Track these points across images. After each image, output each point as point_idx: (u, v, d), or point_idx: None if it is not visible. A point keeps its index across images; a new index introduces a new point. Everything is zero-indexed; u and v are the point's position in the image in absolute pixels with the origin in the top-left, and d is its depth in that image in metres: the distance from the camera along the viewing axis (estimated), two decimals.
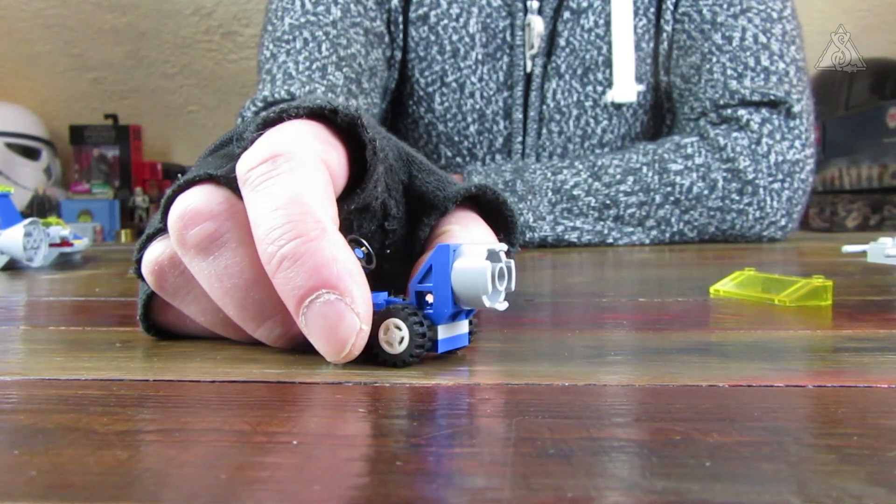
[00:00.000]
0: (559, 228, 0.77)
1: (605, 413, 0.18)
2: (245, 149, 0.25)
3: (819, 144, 1.93)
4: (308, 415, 0.18)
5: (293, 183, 0.23)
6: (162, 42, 2.35)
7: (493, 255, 0.24)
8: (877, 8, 2.28)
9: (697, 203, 0.78)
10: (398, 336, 0.23)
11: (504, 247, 0.24)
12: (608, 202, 0.77)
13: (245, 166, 0.24)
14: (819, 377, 0.21)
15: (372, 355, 0.23)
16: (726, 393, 0.20)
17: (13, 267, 0.61)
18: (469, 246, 0.24)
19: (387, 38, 0.84)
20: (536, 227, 0.76)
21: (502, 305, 0.24)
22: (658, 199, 0.77)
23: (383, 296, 0.24)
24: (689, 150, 0.78)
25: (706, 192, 0.78)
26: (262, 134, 0.25)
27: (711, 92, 0.82)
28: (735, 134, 0.79)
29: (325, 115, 0.26)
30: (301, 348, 0.26)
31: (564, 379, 0.21)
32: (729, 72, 0.81)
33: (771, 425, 0.17)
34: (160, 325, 0.29)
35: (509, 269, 0.24)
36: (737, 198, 0.78)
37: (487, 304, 0.23)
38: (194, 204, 0.24)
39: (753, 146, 0.78)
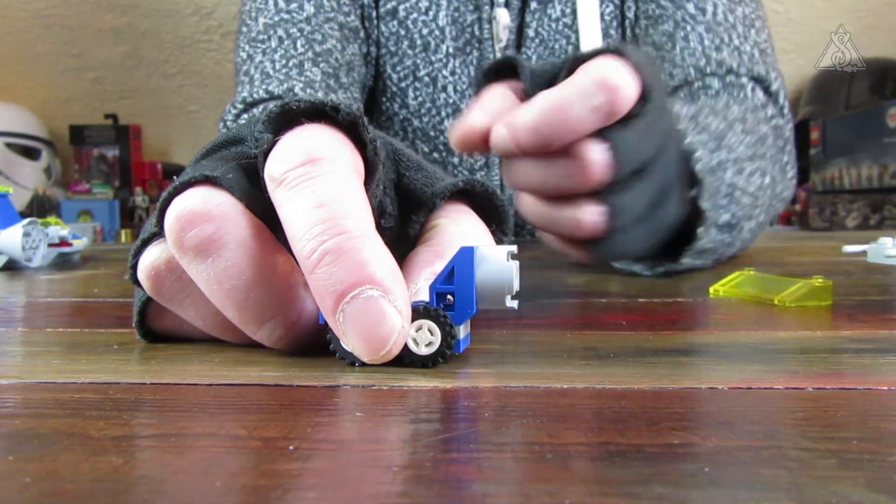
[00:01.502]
0: (743, 176, 0.62)
1: (603, 417, 0.18)
2: (264, 150, 0.25)
3: (819, 144, 1.93)
4: (305, 419, 0.18)
5: (336, 185, 0.23)
6: (162, 42, 2.35)
7: (508, 256, 0.24)
8: (877, 8, 2.28)
9: (780, 152, 0.75)
10: (427, 338, 0.23)
11: (514, 248, 0.24)
12: (758, 142, 0.68)
13: (280, 168, 0.24)
14: (819, 379, 0.21)
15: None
16: (726, 395, 0.20)
17: (12, 267, 0.61)
18: (489, 248, 0.24)
19: (362, 34, 0.84)
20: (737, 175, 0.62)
21: (515, 305, 0.24)
22: (768, 140, 0.71)
23: None
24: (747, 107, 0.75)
25: (774, 143, 0.75)
26: (279, 137, 0.25)
27: (691, 60, 0.80)
28: (765, 98, 0.77)
29: (326, 113, 0.26)
30: (300, 350, 0.26)
31: (563, 381, 0.21)
32: (706, 42, 0.80)
33: (771, 429, 0.17)
34: (157, 330, 0.28)
35: (517, 268, 0.25)
36: (779, 155, 0.77)
37: (509, 304, 0.24)
38: (192, 205, 0.24)
39: (779, 108, 0.77)
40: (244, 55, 0.80)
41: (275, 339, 0.25)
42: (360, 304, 0.21)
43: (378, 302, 0.21)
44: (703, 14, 0.81)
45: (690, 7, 0.81)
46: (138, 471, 0.14)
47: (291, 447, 0.16)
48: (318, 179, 0.23)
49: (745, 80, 0.77)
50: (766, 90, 0.78)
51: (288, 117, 0.25)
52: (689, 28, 0.81)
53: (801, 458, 0.15)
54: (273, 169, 0.24)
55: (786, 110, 0.79)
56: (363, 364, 0.23)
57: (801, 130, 1.97)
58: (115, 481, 0.14)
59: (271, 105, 0.26)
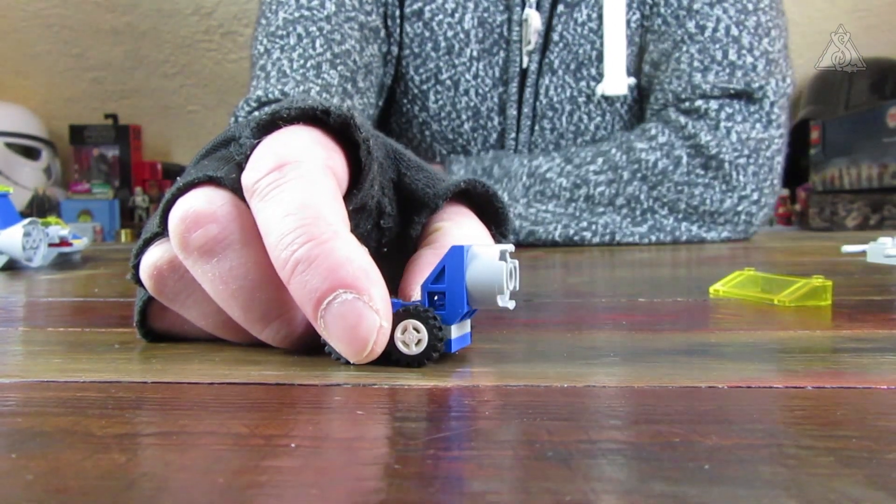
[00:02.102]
0: (531, 210, 0.77)
1: (603, 415, 0.18)
2: (245, 156, 0.25)
3: (819, 144, 1.93)
4: (306, 417, 0.18)
5: (302, 190, 0.23)
6: (162, 42, 2.35)
7: (502, 255, 0.24)
8: (877, 8, 2.28)
9: (664, 178, 0.78)
10: (416, 337, 0.23)
11: (511, 247, 0.24)
12: (578, 182, 0.78)
13: (252, 177, 0.24)
14: (818, 378, 0.21)
15: (384, 355, 0.23)
16: (725, 394, 0.20)
17: (12, 267, 0.61)
18: (481, 247, 0.24)
19: (382, 33, 0.84)
20: (510, 207, 0.77)
21: (511, 304, 0.24)
22: (626, 175, 0.78)
23: None
24: (653, 132, 0.80)
25: (671, 167, 0.78)
26: (259, 141, 0.25)
27: (675, 84, 0.82)
28: (695, 122, 0.80)
29: (317, 117, 0.26)
30: (303, 349, 0.26)
31: (563, 380, 0.21)
32: (695, 63, 0.81)
33: (770, 427, 0.17)
34: (158, 330, 0.28)
35: (515, 268, 0.25)
36: (701, 172, 0.79)
37: (500, 303, 0.24)
38: (196, 206, 0.24)
39: (713, 130, 0.79)
40: (261, 48, 0.80)
41: (280, 338, 0.25)
42: (337, 309, 0.21)
43: (353, 304, 0.21)
44: (703, 32, 0.82)
45: (691, 26, 0.82)
46: (141, 468, 0.14)
47: (293, 445, 0.16)
48: (285, 186, 0.23)
49: (700, 101, 0.79)
50: (749, 98, 0.80)
51: (277, 124, 0.25)
52: (683, 49, 0.82)
53: (801, 455, 0.15)
54: (246, 179, 0.24)
55: (773, 115, 0.81)
56: (358, 364, 0.23)
57: (801, 130, 1.97)
58: (118, 478, 0.14)
59: (266, 109, 0.26)
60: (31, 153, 2.22)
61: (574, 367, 0.23)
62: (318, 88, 0.75)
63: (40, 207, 2.08)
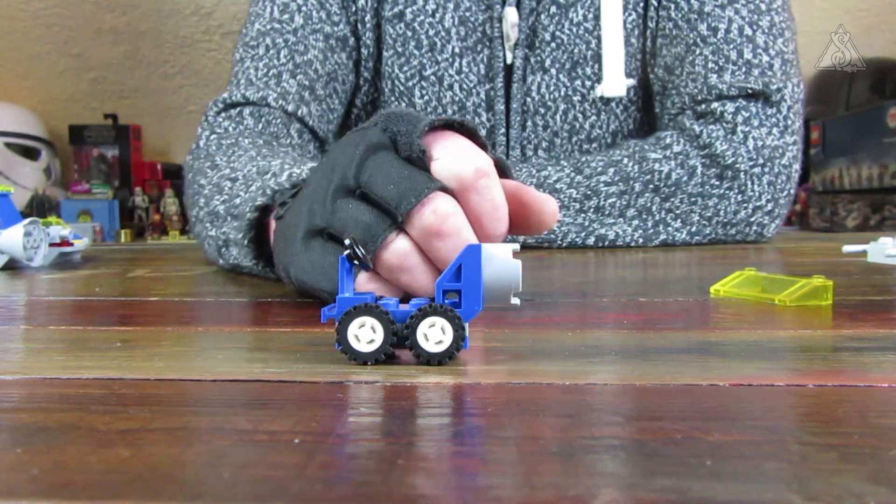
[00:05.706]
0: None
1: (605, 412, 0.18)
2: (419, 155, 0.33)
3: (819, 144, 1.93)
4: (310, 413, 0.18)
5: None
6: (162, 42, 2.35)
7: (514, 254, 0.24)
8: (877, 8, 2.28)
9: (677, 189, 0.77)
10: (439, 335, 0.23)
11: (517, 246, 0.25)
12: (589, 193, 0.77)
13: (470, 177, 0.33)
14: (819, 377, 0.21)
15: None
16: (727, 392, 0.20)
17: (13, 267, 0.61)
18: (494, 246, 0.24)
19: (351, 41, 0.87)
20: None
21: (517, 301, 0.25)
22: (637, 187, 0.77)
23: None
24: (668, 141, 0.79)
25: (685, 178, 0.77)
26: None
27: (691, 86, 0.81)
28: (711, 127, 0.79)
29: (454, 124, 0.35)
30: (306, 346, 0.26)
31: (565, 378, 0.21)
32: (710, 65, 0.81)
33: (772, 424, 0.17)
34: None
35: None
36: (716, 182, 0.78)
37: (513, 301, 0.24)
38: (443, 207, 0.32)
39: (729, 135, 0.78)
40: (237, 56, 0.86)
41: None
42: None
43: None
44: (715, 34, 0.81)
45: (703, 28, 0.81)
46: (145, 462, 0.15)
47: (297, 440, 0.16)
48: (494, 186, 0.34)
49: (716, 104, 0.78)
50: (766, 100, 0.79)
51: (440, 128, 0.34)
52: (697, 52, 0.82)
53: (803, 451, 0.15)
54: (464, 177, 0.33)
55: (790, 121, 0.80)
56: (375, 362, 0.24)
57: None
58: (123, 473, 0.14)
59: (430, 119, 0.34)
60: (30, 153, 2.22)
61: (576, 365, 0.23)
62: (275, 95, 0.79)
63: (40, 207, 2.08)
